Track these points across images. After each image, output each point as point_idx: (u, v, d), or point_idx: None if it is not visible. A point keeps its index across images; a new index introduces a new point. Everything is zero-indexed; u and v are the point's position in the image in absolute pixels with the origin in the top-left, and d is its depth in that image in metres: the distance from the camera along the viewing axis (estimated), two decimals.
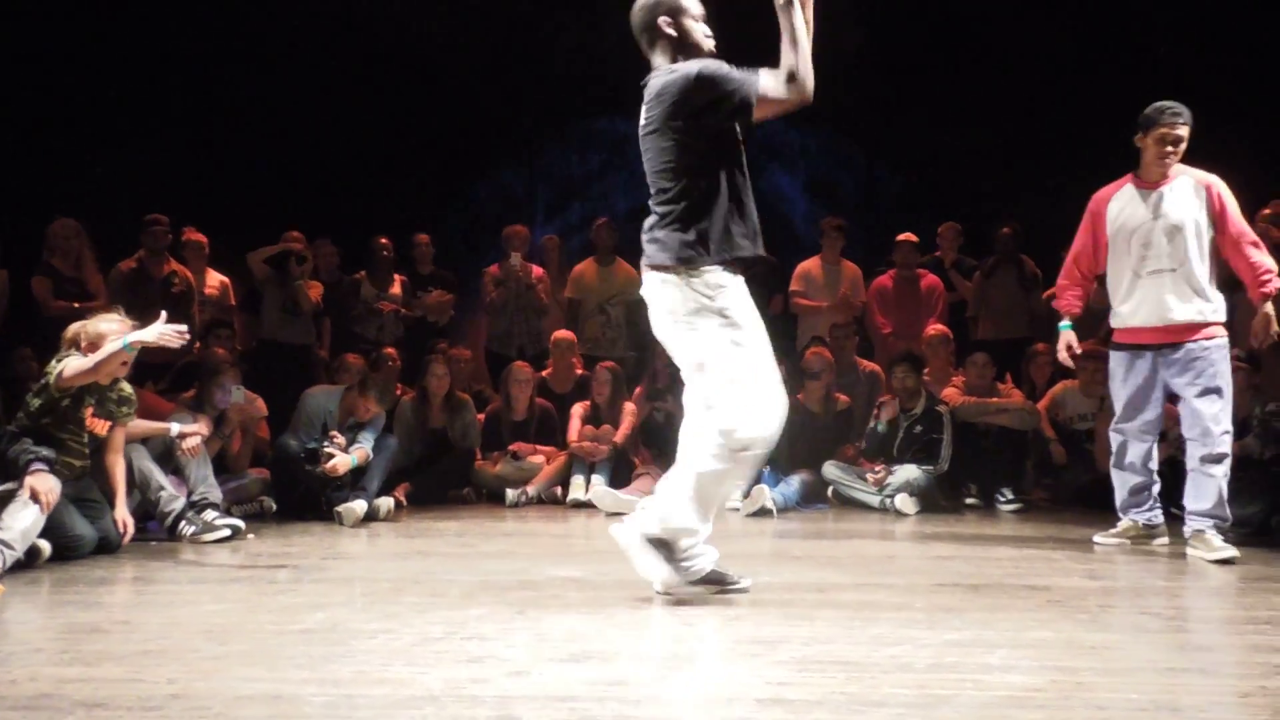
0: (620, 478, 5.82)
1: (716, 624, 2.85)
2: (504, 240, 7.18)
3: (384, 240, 7.04)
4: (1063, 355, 4.36)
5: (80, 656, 2.53)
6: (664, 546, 3.09)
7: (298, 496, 5.21)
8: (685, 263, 3.01)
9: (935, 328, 6.54)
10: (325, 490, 5.11)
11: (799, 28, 2.96)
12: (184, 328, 3.85)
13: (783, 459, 5.82)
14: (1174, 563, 3.98)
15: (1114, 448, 4.35)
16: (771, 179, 8.98)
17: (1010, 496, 5.70)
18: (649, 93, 3.10)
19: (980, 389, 6.01)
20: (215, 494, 4.60)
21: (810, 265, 7.20)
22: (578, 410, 6.15)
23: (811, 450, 5.91)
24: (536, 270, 7.21)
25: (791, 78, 2.95)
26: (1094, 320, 6.92)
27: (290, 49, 7.87)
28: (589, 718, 2.05)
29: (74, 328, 3.96)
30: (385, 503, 5.19)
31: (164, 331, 3.76)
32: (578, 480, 5.78)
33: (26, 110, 6.94)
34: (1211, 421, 3.98)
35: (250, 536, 4.50)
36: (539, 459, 6.07)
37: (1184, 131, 4.04)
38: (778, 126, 8.94)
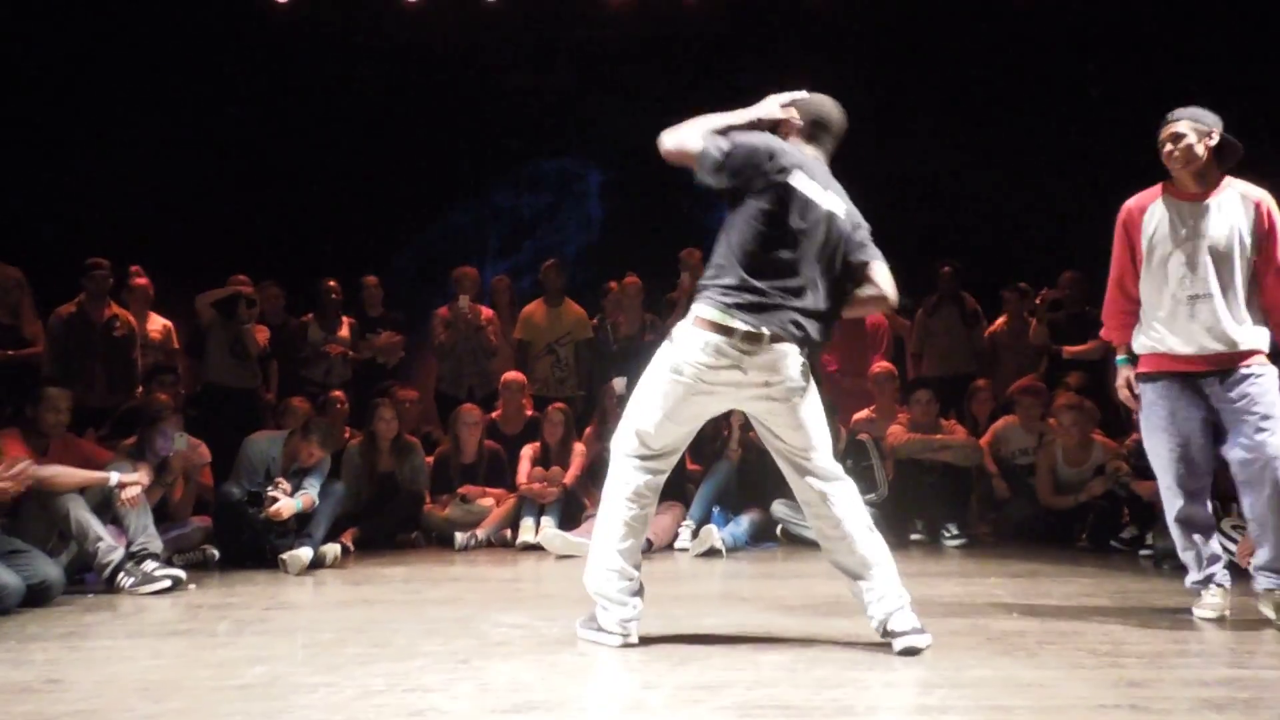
0: (570, 519, 5.81)
1: (662, 670, 2.85)
2: (453, 282, 7.19)
3: (332, 282, 7.02)
4: (1123, 394, 3.75)
5: (8, 719, 2.46)
6: None
7: (241, 544, 5.13)
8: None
9: (881, 365, 6.65)
10: (269, 537, 5.04)
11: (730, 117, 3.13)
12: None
13: (732, 498, 5.87)
14: (1113, 597, 4.06)
15: (1176, 514, 3.61)
16: (721, 214, 9.08)
17: (955, 532, 5.78)
18: (835, 185, 3.16)
19: (924, 425, 6.10)
20: (155, 544, 4.52)
21: None
22: (527, 452, 6.14)
23: (760, 489, 5.95)
24: (486, 312, 7.21)
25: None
26: (1034, 357, 7.10)
27: (236, 90, 7.87)
28: None
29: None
30: (332, 549, 5.13)
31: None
32: (527, 522, 5.75)
33: None
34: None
35: (192, 587, 4.42)
36: (488, 502, 6.04)
37: (1181, 128, 3.51)
38: None
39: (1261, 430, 3.42)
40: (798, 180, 3.03)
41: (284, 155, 7.97)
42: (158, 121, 7.49)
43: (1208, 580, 3.61)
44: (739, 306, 2.99)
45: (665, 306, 7.17)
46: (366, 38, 8.10)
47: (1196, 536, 3.62)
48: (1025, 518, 5.97)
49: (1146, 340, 3.61)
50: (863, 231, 3.18)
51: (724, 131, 3.10)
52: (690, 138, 3.09)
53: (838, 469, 3.18)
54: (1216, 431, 3.57)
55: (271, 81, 7.98)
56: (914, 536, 5.91)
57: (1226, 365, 3.49)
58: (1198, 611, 3.57)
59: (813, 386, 3.13)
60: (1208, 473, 3.60)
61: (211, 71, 7.69)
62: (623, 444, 3.21)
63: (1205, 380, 3.52)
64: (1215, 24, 7.07)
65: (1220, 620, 3.50)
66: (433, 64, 8.23)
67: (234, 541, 5.16)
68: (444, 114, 8.36)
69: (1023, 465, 6.14)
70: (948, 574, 4.74)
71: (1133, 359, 3.70)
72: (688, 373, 3.03)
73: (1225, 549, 4.64)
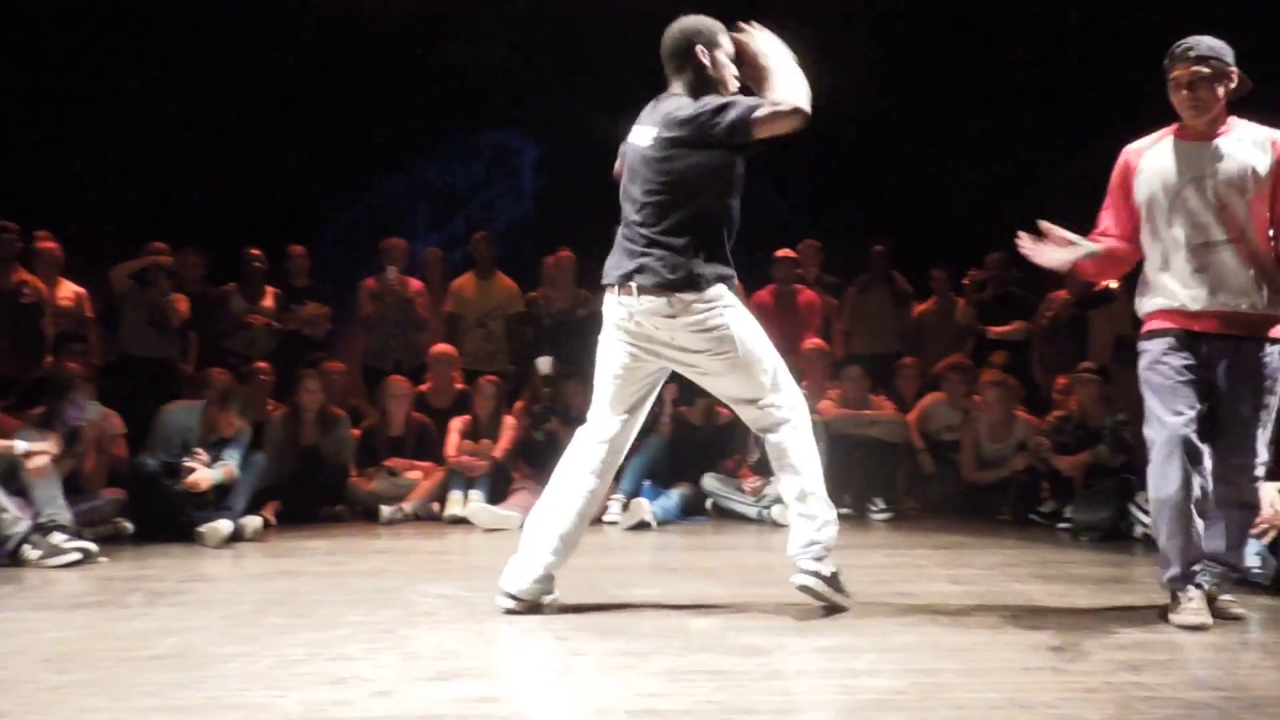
0: (499, 493, 5.74)
1: (591, 638, 2.82)
2: (381, 253, 7.04)
3: (255, 251, 6.81)
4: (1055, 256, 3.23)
5: None
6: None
7: (157, 517, 4.95)
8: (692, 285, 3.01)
9: (813, 342, 6.69)
10: (186, 509, 4.88)
11: (775, 51, 3.03)
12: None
13: (663, 472, 5.86)
14: (1034, 567, 4.14)
15: (1164, 495, 3.01)
16: None
17: (882, 506, 5.86)
18: (659, 115, 3.06)
19: (855, 401, 6.17)
20: (64, 516, 4.34)
21: None
22: (456, 425, 6.05)
23: (691, 463, 5.96)
24: (414, 284, 7.08)
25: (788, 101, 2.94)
26: (960, 336, 7.23)
27: (157, 48, 7.56)
28: None
29: None
30: (252, 522, 4.98)
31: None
32: (456, 495, 5.68)
33: None
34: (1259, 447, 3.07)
35: (103, 560, 4.25)
36: (416, 475, 5.94)
37: (1202, 70, 3.04)
38: None
39: (1243, 471, 3.07)
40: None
41: (208, 119, 7.72)
42: (71, 80, 7.17)
43: (1187, 580, 3.03)
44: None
45: (598, 282, 7.10)
46: (299, 4, 7.85)
47: (1183, 524, 3.01)
48: (950, 492, 6.10)
49: (1151, 300, 3.15)
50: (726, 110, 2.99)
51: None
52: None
53: (774, 414, 3.13)
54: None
55: (197, 45, 7.69)
56: (842, 510, 5.85)
57: (1244, 331, 3.04)
58: (1175, 619, 3.00)
59: (726, 331, 3.04)
60: (1207, 446, 3.04)
61: (134, 33, 7.38)
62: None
63: (1218, 345, 3.04)
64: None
65: (1199, 630, 2.92)
66: (368, 33, 8.02)
67: (149, 514, 4.98)
68: (377, 83, 8.16)
69: (948, 441, 6.24)
70: (874, 546, 4.80)
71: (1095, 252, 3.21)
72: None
73: (1138, 521, 4.79)
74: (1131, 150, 3.24)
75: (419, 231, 8.85)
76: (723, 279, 3.07)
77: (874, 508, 5.87)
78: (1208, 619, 2.97)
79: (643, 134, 3.11)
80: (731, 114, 2.96)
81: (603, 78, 8.32)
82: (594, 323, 7.58)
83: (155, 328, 6.30)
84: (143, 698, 2.26)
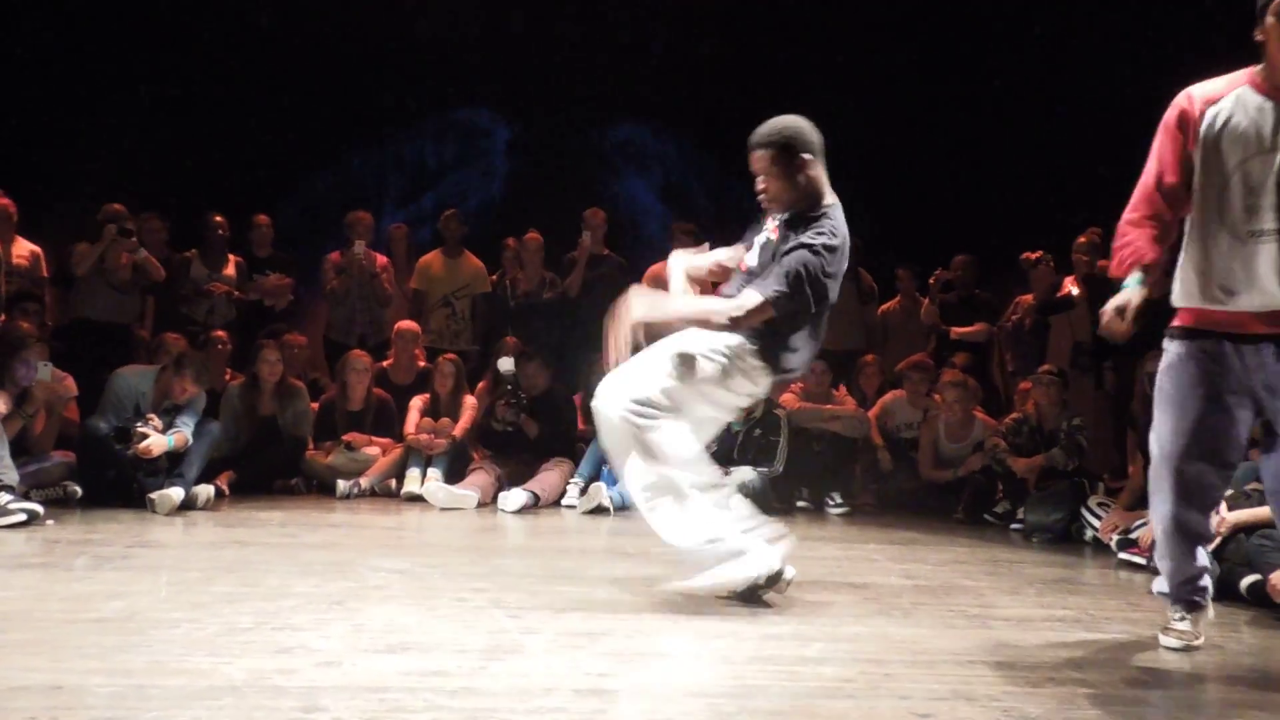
0: (458, 472, 5.71)
1: (544, 617, 2.82)
2: (347, 226, 6.96)
3: (218, 218, 6.70)
4: (1106, 319, 2.61)
5: None
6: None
7: (107, 482, 4.87)
8: None
9: None
10: (137, 475, 4.81)
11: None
12: None
13: None
14: (985, 565, 4.19)
15: (1165, 519, 2.69)
16: (626, 182, 9.04)
17: (839, 500, 5.90)
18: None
19: (817, 395, 6.20)
20: (11, 476, 4.25)
21: (661, 268, 7.20)
22: (417, 402, 6.01)
23: None
24: (380, 259, 7.01)
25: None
26: (923, 335, 7.29)
27: (125, 8, 7.40)
28: (399, 708, 1.98)
29: None
30: (205, 490, 4.91)
31: None
32: (414, 473, 5.63)
33: None
34: None
35: (50, 523, 4.17)
36: (374, 450, 5.89)
37: None
38: (635, 131, 9.05)
39: None
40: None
41: (174, 81, 7.56)
42: (33, 38, 7.00)
43: (1176, 600, 2.80)
44: None
45: (566, 265, 7.09)
46: None
47: (1184, 547, 2.72)
48: (906, 489, 6.15)
49: (1184, 287, 2.64)
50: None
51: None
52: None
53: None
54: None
55: (166, 7, 7.54)
56: (800, 503, 6.00)
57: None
58: (1164, 640, 2.77)
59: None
60: (1226, 471, 2.68)
61: None
62: None
63: (1260, 348, 2.54)
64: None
65: (1186, 651, 2.73)
66: (343, 5, 7.91)
67: (99, 479, 4.90)
68: (351, 55, 8.04)
69: (907, 439, 6.30)
70: (830, 539, 4.83)
71: (1146, 283, 2.61)
72: None
73: (1089, 524, 4.86)
74: (1197, 95, 2.61)
75: (386, 207, 8.74)
76: None
77: (831, 502, 5.90)
78: (1193, 640, 2.73)
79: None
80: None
81: (577, 64, 8.30)
82: (560, 305, 7.54)
83: (116, 290, 6.19)
84: (83, 660, 2.22)
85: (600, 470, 5.63)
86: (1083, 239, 6.31)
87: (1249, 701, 2.32)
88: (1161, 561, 2.82)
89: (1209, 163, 2.55)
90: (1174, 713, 2.19)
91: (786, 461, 5.85)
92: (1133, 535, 4.33)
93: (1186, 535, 2.70)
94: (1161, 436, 2.67)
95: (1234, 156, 2.52)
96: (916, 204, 7.93)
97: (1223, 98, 2.56)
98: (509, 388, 5.83)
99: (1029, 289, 6.68)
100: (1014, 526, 5.38)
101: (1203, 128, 2.56)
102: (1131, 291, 2.59)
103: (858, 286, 7.31)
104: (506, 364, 5.88)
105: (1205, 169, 2.56)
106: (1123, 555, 4.34)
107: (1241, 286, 2.53)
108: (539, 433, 5.85)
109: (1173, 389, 2.64)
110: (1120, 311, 2.57)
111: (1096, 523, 4.83)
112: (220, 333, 6.17)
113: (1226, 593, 3.40)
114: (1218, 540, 3.47)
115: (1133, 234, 2.66)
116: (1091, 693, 2.30)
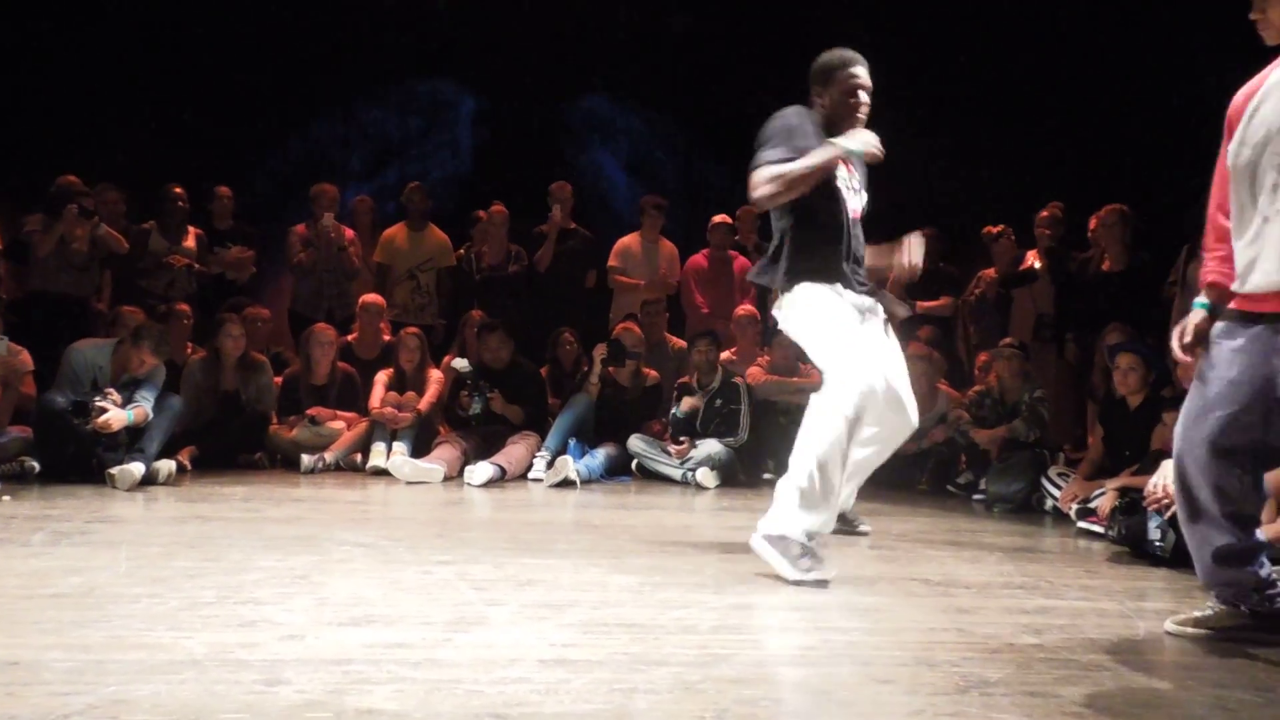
0: (423, 446, 5.68)
1: (509, 589, 2.82)
2: (312, 199, 6.87)
3: (178, 189, 6.59)
4: (1175, 346, 2.55)
5: None
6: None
7: (65, 457, 4.79)
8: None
9: (745, 308, 6.72)
10: (96, 450, 4.74)
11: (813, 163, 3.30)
12: None
13: (589, 431, 5.86)
14: (947, 535, 4.24)
15: (1191, 473, 2.50)
16: (593, 155, 8.98)
17: None
18: None
19: (783, 368, 6.23)
20: None
21: (629, 242, 7.24)
22: (382, 377, 5.97)
23: (618, 424, 5.97)
24: (349, 232, 6.94)
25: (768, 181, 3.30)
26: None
27: None
28: (362, 680, 1.98)
29: None
30: (166, 465, 4.85)
31: None
32: (379, 447, 5.60)
33: None
34: None
35: (6, 499, 4.11)
36: (339, 425, 5.85)
37: None
38: (602, 105, 8.98)
39: None
40: None
41: (130, 50, 7.39)
42: None
43: (1208, 589, 2.66)
44: None
45: (532, 239, 7.05)
46: None
47: (1191, 536, 2.58)
48: None
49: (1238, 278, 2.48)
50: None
51: None
52: None
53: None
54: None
55: None
56: (766, 475, 6.03)
57: None
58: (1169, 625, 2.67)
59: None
60: (1260, 471, 2.50)
61: None
62: None
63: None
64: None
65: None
66: None
67: (57, 454, 4.82)
68: (314, 25, 7.90)
69: None
70: None
71: (1213, 308, 2.54)
72: None
73: (1049, 494, 4.93)
74: (1242, 91, 2.50)
75: (351, 180, 8.63)
76: None
77: None
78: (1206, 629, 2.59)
79: None
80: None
81: (544, 35, 8.21)
82: (525, 278, 7.50)
83: (71, 265, 6.07)
84: (40, 635, 2.19)
85: (567, 444, 5.65)
86: (1044, 213, 6.37)
87: (1206, 665, 2.37)
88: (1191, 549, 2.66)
89: (1243, 146, 2.44)
90: (1129, 677, 2.24)
91: (752, 433, 5.89)
92: (1091, 505, 4.40)
93: (1196, 527, 2.59)
94: (1181, 424, 2.56)
95: (1262, 132, 2.40)
96: (879, 179, 7.94)
97: (1262, 85, 2.46)
98: (469, 383, 5.78)
99: (991, 263, 6.73)
100: (976, 497, 5.45)
101: (1243, 119, 2.46)
102: (1197, 314, 2.55)
103: None
104: (461, 363, 5.85)
105: (1238, 154, 2.45)
106: (1082, 524, 4.42)
107: (1272, 265, 2.38)
108: (523, 417, 5.82)
109: (1209, 370, 2.50)
110: (1188, 334, 2.53)
111: (1056, 493, 4.90)
112: (183, 305, 6.09)
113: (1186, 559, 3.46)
114: (1173, 509, 3.54)
115: (1208, 259, 2.60)
116: (1048, 657, 2.34)
